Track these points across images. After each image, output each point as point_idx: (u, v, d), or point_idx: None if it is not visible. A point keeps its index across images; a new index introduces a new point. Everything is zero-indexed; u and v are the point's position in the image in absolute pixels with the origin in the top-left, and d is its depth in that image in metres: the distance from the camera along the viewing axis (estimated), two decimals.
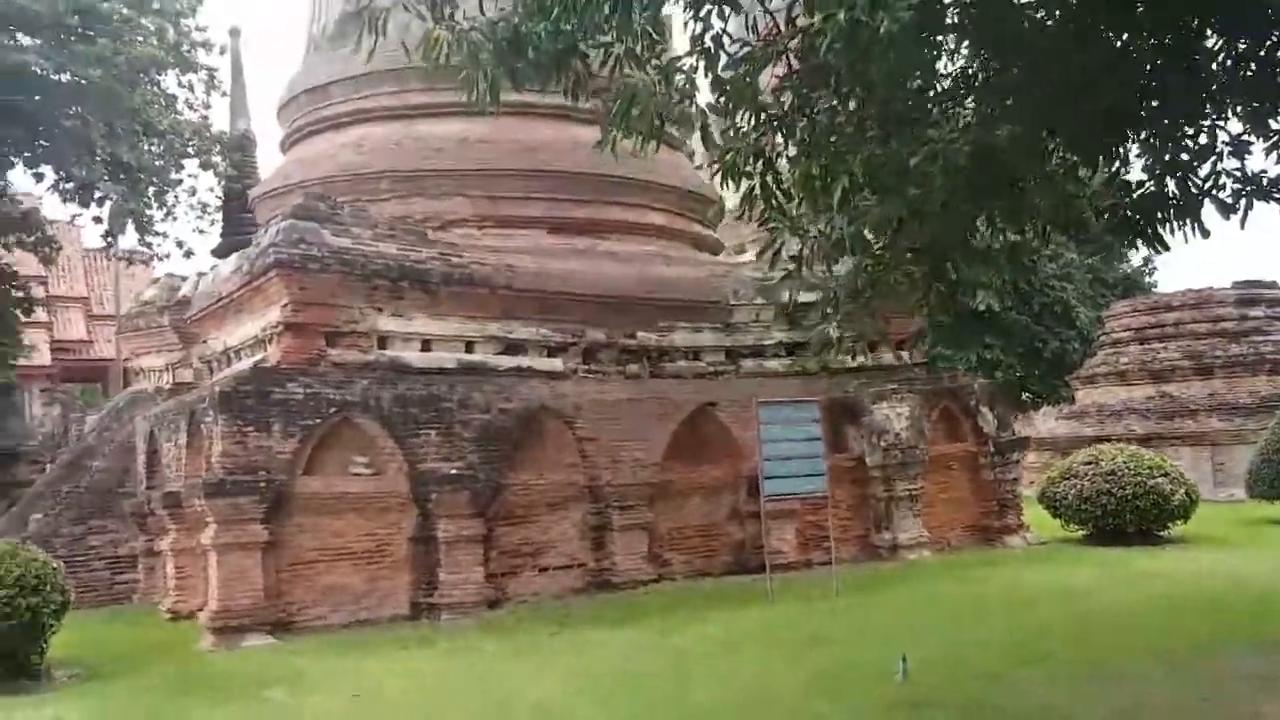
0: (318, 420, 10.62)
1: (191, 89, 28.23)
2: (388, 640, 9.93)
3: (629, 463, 12.27)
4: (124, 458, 13.76)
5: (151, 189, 27.39)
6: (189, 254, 30.00)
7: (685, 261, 14.76)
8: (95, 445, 14.81)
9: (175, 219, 28.74)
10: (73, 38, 23.73)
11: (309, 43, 15.94)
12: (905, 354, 15.40)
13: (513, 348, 12.42)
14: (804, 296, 14.49)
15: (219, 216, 29.88)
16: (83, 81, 24.22)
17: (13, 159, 26.86)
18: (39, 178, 27.94)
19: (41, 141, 25.17)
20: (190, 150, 27.80)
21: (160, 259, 29.35)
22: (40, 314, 31.49)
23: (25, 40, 22.82)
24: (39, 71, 22.58)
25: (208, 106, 28.47)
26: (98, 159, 24.39)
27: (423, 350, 11.88)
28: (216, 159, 28.29)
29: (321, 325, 11.24)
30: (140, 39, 25.71)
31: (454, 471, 11.09)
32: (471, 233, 13.58)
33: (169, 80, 27.49)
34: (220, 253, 31.95)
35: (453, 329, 12.06)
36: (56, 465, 14.90)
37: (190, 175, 28.49)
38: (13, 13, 22.71)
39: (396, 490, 11.03)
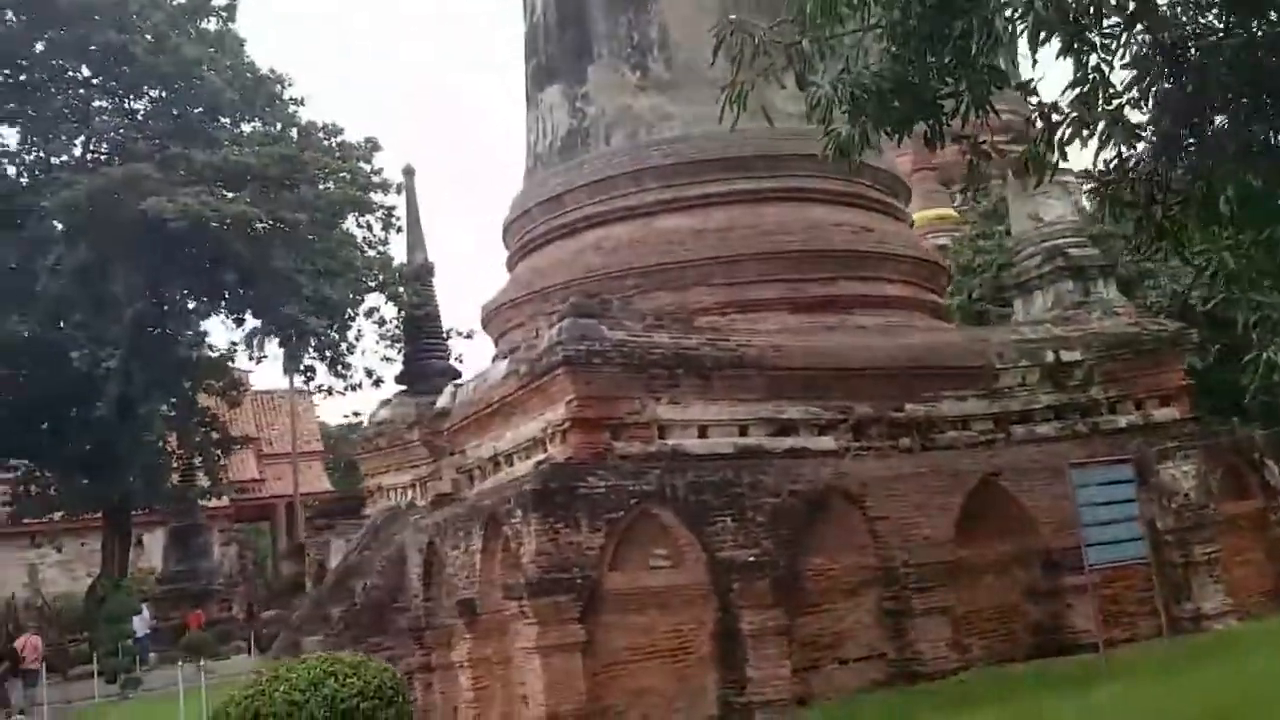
0: (621, 513, 10.46)
1: (370, 228, 29.85)
2: None
3: (921, 541, 11.70)
4: (394, 573, 13.84)
5: (343, 324, 28.75)
6: (378, 382, 31.20)
7: (937, 329, 14.36)
8: (357, 564, 14.99)
9: (363, 351, 29.79)
10: (281, 186, 25.34)
11: (532, 160, 16.39)
12: (1173, 410, 14.54)
13: (784, 429, 12.13)
14: (1067, 355, 14.02)
15: (397, 345, 31.21)
16: (287, 227, 25.78)
17: (220, 306, 28.57)
18: (239, 322, 29.67)
19: (242, 288, 26.71)
20: (373, 284, 29.14)
21: (353, 389, 30.47)
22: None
23: (233, 193, 24.41)
24: (255, 222, 24.07)
25: (385, 243, 29.96)
26: (306, 297, 25.72)
27: (700, 437, 11.70)
28: (400, 290, 29.56)
29: (606, 419, 11.19)
30: (333, 184, 27.34)
31: (752, 559, 10.74)
32: (716, 319, 13.48)
33: (348, 220, 29.09)
34: (404, 379, 33.04)
35: (726, 413, 11.87)
36: (319, 589, 15.11)
37: (373, 308, 29.88)
38: (228, 167, 24.41)
39: (696, 581, 10.71)
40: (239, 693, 8.59)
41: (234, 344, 32.19)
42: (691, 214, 14.29)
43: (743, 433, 11.92)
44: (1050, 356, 13.62)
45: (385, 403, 18.98)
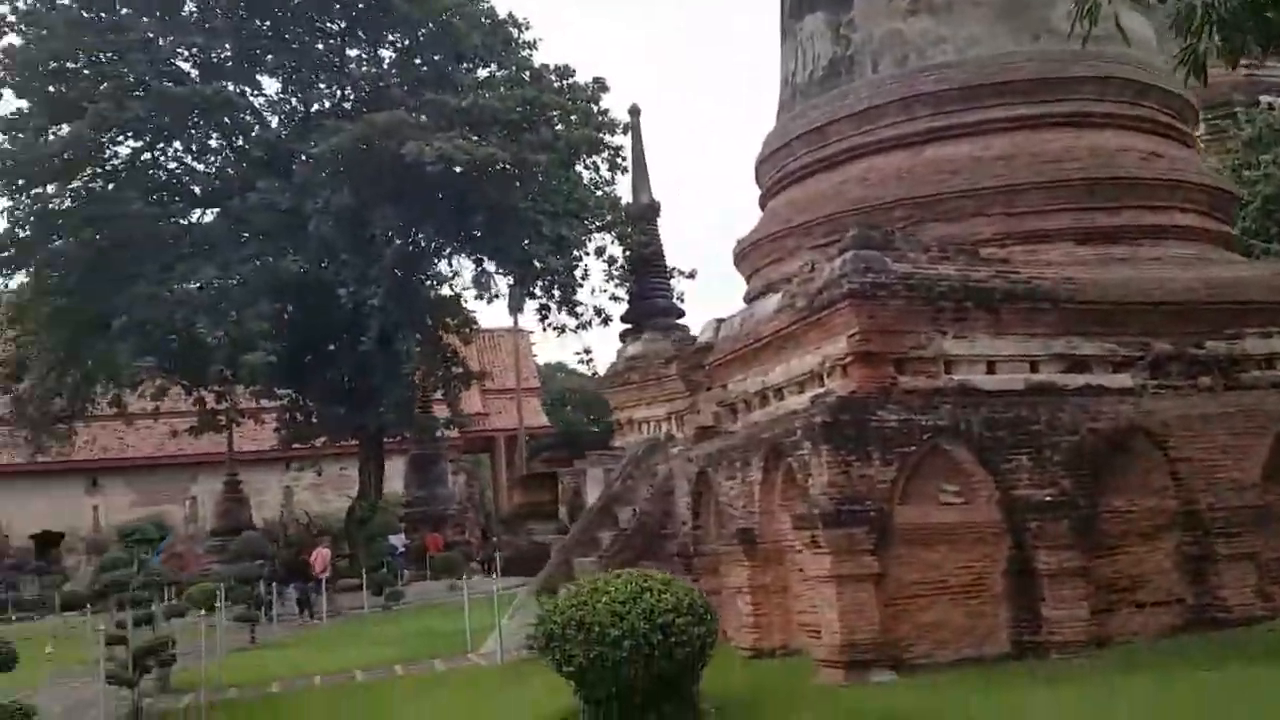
0: (912, 448, 10.31)
1: (596, 169, 30.26)
2: (1017, 678, 9.32)
3: (1227, 485, 11.02)
4: (661, 501, 14.23)
5: (574, 263, 29.40)
6: (606, 321, 31.86)
7: (1234, 262, 13.37)
8: (620, 492, 15.51)
9: (592, 290, 30.36)
10: (521, 129, 26.03)
11: (789, 91, 16.16)
12: None
13: (1078, 365, 11.60)
14: None
15: (621, 285, 31.69)
16: (528, 169, 26.52)
17: (463, 246, 29.77)
18: (478, 262, 30.83)
19: (486, 229, 27.65)
20: (601, 224, 29.62)
21: (583, 327, 31.17)
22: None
23: (479, 137, 25.23)
24: (500, 165, 24.86)
25: (611, 183, 30.33)
26: (546, 237, 26.47)
27: (988, 372, 11.34)
28: (628, 229, 29.96)
29: (891, 353, 11.00)
30: (570, 125, 27.84)
31: (1049, 499, 10.39)
32: (995, 251, 12.98)
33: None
34: (630, 317, 33.63)
35: (1016, 349, 11.44)
36: (586, 514, 15.72)
37: (600, 247, 30.39)
38: (475, 111, 25.25)
39: (989, 519, 10.46)
40: (560, 602, 9.02)
41: (465, 284, 33.34)
42: (967, 141, 13.75)
43: (1034, 369, 11.47)
44: None
45: (635, 339, 19.43)
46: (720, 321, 14.65)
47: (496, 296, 32.57)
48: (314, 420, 30.44)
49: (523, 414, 46.56)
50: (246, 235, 25.12)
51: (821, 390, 11.52)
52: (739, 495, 12.04)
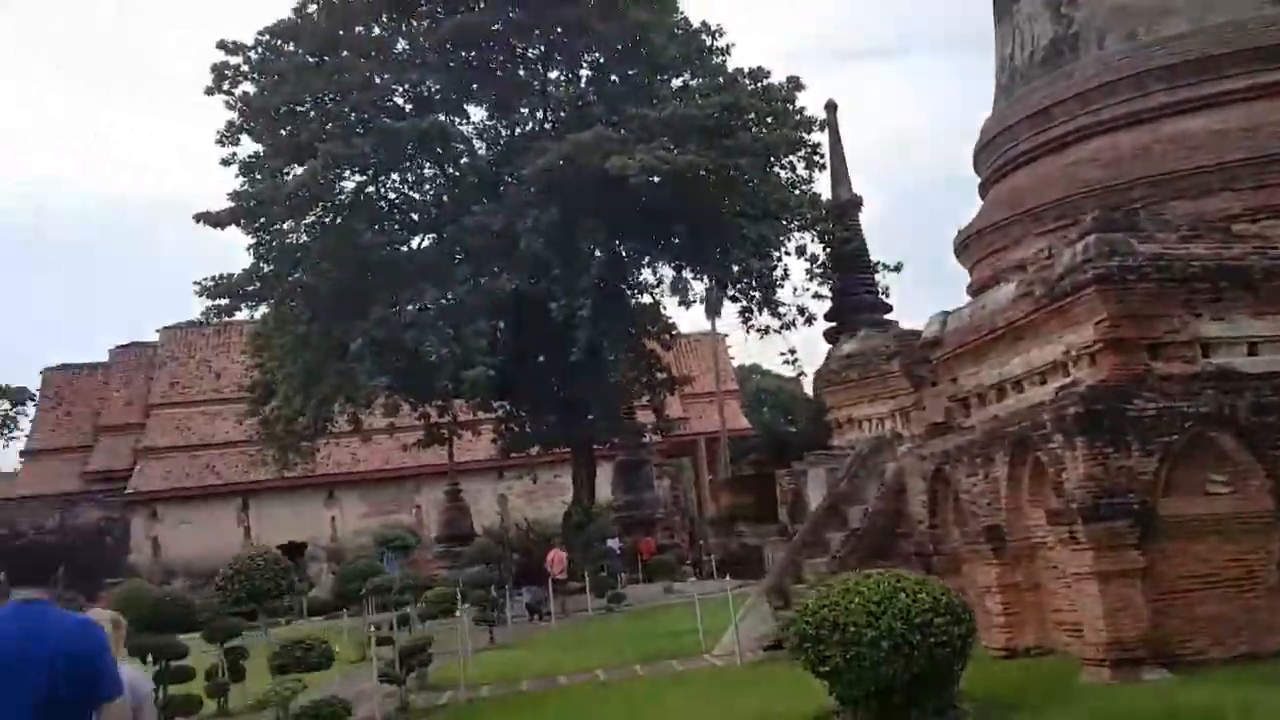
0: (1173, 436, 9.87)
1: (792, 168, 30.09)
2: None
3: None
4: (893, 500, 14.07)
5: (776, 263, 29.34)
6: (810, 320, 31.60)
7: None
8: (847, 492, 15.42)
9: (794, 289, 30.15)
10: (720, 134, 26.27)
11: (1007, 75, 15.74)
12: None
13: None
14: None
15: (824, 283, 31.35)
16: (728, 173, 26.72)
17: (665, 254, 30.25)
18: (679, 269, 31.23)
19: (689, 236, 28.00)
20: (801, 222, 29.42)
21: (787, 328, 31.01)
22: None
23: (679, 146, 25.58)
24: (701, 171, 25.16)
25: (809, 181, 30.09)
26: (749, 240, 26.60)
27: (1249, 355, 10.70)
28: (830, 226, 29.67)
29: (1143, 339, 10.54)
30: (764, 129, 27.87)
31: None
32: (1247, 227, 12.23)
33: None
34: (834, 315, 33.16)
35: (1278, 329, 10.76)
36: (813, 515, 15.70)
37: (800, 246, 30.17)
38: (676, 121, 25.66)
39: (1260, 509, 9.89)
40: (812, 603, 9.09)
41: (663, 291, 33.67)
42: (1205, 115, 13.07)
43: None
44: None
45: (849, 337, 19.23)
46: (947, 314, 14.37)
47: (694, 301, 32.88)
48: (528, 430, 31.56)
49: (724, 417, 46.90)
50: (462, 257, 26.35)
51: (1067, 381, 11.14)
52: (983, 492, 11.78)
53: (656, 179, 23.98)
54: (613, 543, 30.65)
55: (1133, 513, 9.57)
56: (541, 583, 24.53)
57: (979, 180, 16.72)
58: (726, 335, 56.12)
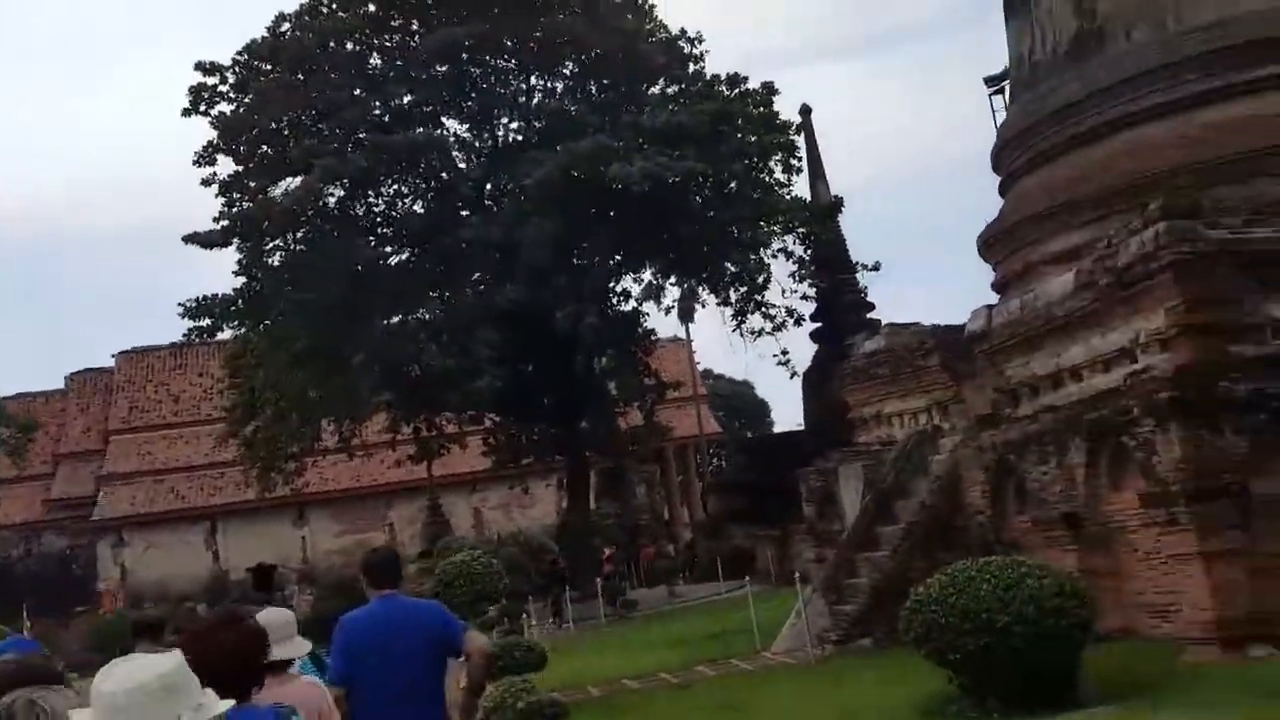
0: (1260, 416, 10.08)
1: (770, 171, 30.33)
2: None
3: None
4: (950, 492, 14.19)
5: (764, 267, 29.51)
6: (799, 321, 31.82)
7: None
8: (894, 486, 15.51)
9: (783, 291, 30.36)
10: (708, 141, 26.37)
11: (1028, 70, 15.99)
12: None
13: None
14: None
15: (813, 285, 31.60)
16: (718, 179, 26.81)
17: (657, 261, 30.23)
18: (665, 274, 31.22)
19: (683, 242, 28.01)
20: (784, 226, 29.64)
21: (778, 329, 31.14)
22: None
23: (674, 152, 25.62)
24: (698, 178, 25.20)
25: (787, 184, 30.34)
26: (740, 243, 26.75)
27: None
28: (813, 228, 29.92)
29: (1218, 322, 10.78)
30: (754, 131, 28.05)
31: None
32: None
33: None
34: (820, 315, 33.39)
35: None
36: (862, 511, 15.76)
37: (780, 249, 30.41)
38: (669, 128, 25.71)
39: None
40: (929, 594, 9.13)
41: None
42: (1243, 102, 13.37)
43: None
44: None
45: (870, 335, 19.40)
46: (990, 308, 14.55)
47: (672, 307, 32.89)
48: (522, 440, 31.36)
49: (701, 421, 47.02)
50: (462, 270, 26.14)
51: (1138, 367, 11.33)
52: (1054, 480, 11.93)
53: (656, 187, 24.01)
54: (610, 550, 30.62)
55: (1230, 493, 9.77)
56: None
57: (1000, 177, 16.95)
58: (691, 341, 56.31)
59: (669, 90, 29.43)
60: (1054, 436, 11.95)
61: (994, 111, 32.50)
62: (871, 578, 14.02)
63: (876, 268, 32.77)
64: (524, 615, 20.91)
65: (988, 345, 14.29)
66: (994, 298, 16.30)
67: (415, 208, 28.56)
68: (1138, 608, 11.21)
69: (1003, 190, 16.92)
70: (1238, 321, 10.82)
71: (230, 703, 2.52)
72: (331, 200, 27.56)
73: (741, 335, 30.30)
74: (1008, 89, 18.33)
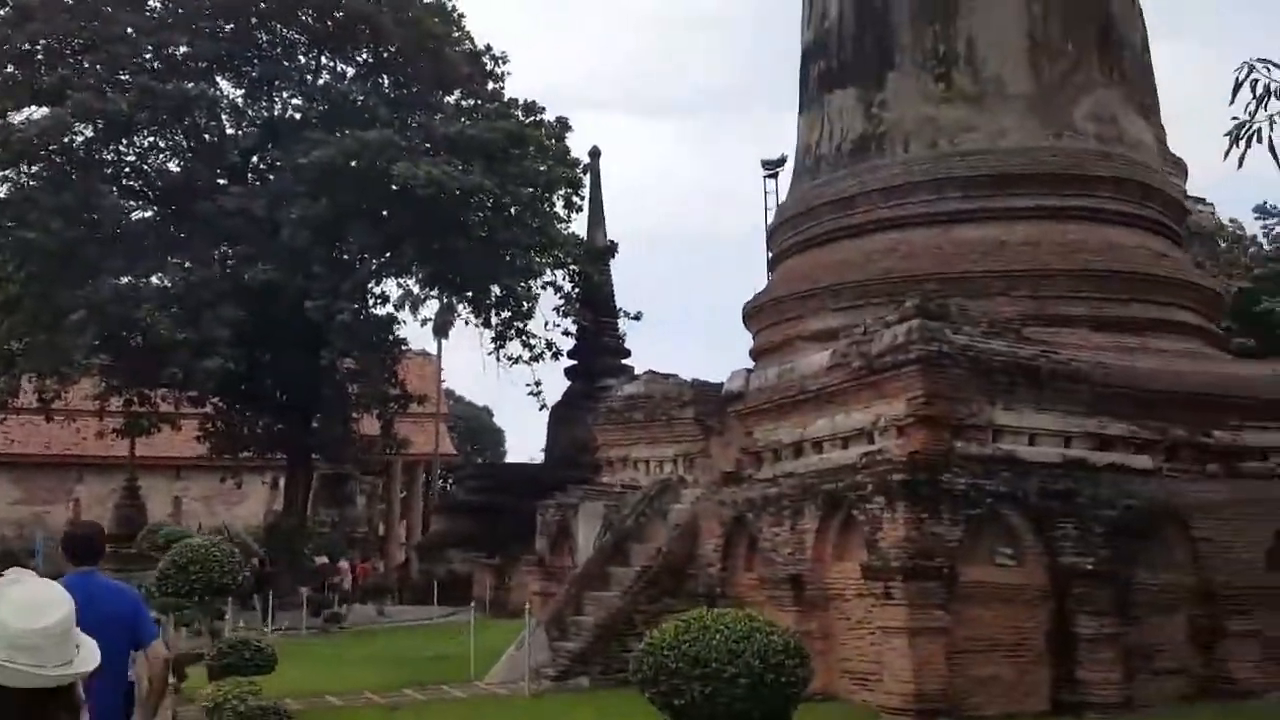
0: (976, 510, 10.97)
1: (551, 205, 30.61)
2: None
3: (1239, 565, 12.03)
4: (686, 542, 14.52)
5: (533, 297, 29.55)
6: (556, 355, 32.01)
7: (1226, 359, 14.64)
8: (634, 529, 15.72)
9: (546, 324, 30.53)
10: (500, 160, 26.19)
11: (813, 160, 16.93)
12: None
13: (1105, 444, 12.51)
14: None
15: (575, 322, 31.94)
16: (509, 201, 26.60)
17: (411, 269, 29.48)
18: (429, 284, 30.56)
19: (455, 256, 27.50)
20: (557, 260, 29.88)
21: (536, 359, 31.13)
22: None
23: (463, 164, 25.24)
24: (483, 194, 24.89)
25: (564, 220, 30.69)
26: (514, 268, 26.59)
27: (1030, 445, 12.13)
28: (585, 267, 30.35)
29: (949, 419, 11.65)
30: (545, 160, 28.13)
31: (1090, 567, 11.17)
32: (1037, 331, 13.83)
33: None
34: (578, 354, 33.69)
35: (1055, 424, 12.28)
36: (598, 550, 15.83)
37: (548, 283, 30.64)
38: (460, 140, 25.31)
39: (1037, 583, 11.18)
40: (663, 638, 9.21)
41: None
42: (993, 225, 14.72)
43: (1067, 444, 12.33)
44: None
45: (631, 379, 19.74)
46: (749, 372, 15.14)
47: (428, 320, 32.31)
48: (245, 430, 29.56)
49: (439, 440, 46.12)
50: (213, 238, 24.46)
51: (873, 448, 12.09)
52: (785, 542, 12.47)
53: (438, 194, 23.52)
54: (344, 563, 29.24)
55: (941, 575, 10.53)
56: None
57: (772, 253, 17.81)
58: (437, 356, 55.41)
59: (465, 102, 29.12)
60: (790, 501, 12.50)
61: (766, 193, 34.49)
62: (598, 616, 14.07)
63: (638, 317, 33.68)
64: (223, 615, 19.55)
65: (741, 406, 14.84)
66: (749, 363, 17.04)
67: (171, 165, 26.56)
68: (842, 673, 11.84)
69: (772, 265, 17.77)
70: (966, 420, 11.76)
71: None
72: (79, 139, 25.20)
73: (498, 360, 30.13)
74: (787, 174, 19.34)
